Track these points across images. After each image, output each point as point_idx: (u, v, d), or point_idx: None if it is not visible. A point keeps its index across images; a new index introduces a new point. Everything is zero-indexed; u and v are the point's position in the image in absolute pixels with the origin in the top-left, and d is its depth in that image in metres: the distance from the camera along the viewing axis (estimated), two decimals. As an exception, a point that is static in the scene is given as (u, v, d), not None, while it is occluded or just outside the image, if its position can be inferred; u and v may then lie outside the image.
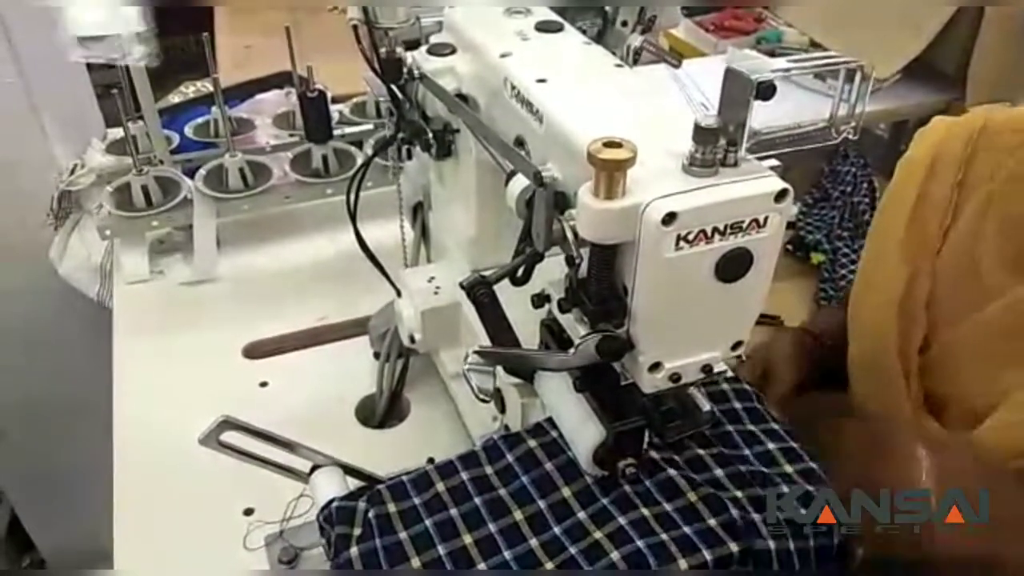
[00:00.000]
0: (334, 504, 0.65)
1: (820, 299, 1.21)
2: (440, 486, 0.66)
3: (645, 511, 0.61)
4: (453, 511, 0.64)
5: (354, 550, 0.61)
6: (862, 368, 0.77)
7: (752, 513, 0.61)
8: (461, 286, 0.65)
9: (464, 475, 0.66)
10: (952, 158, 0.74)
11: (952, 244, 0.72)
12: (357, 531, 0.63)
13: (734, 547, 0.58)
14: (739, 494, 0.63)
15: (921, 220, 0.73)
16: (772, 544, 0.60)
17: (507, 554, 0.60)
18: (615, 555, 0.58)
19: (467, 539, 0.61)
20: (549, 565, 0.59)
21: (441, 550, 0.61)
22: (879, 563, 0.61)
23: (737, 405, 0.72)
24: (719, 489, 0.63)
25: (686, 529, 0.59)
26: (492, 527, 0.62)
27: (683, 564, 0.57)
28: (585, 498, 0.63)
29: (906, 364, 0.71)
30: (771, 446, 0.69)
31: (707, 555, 0.58)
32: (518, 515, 0.63)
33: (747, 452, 0.68)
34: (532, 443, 0.68)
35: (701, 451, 0.67)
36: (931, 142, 0.76)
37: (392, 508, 0.64)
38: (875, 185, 1.34)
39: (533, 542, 0.61)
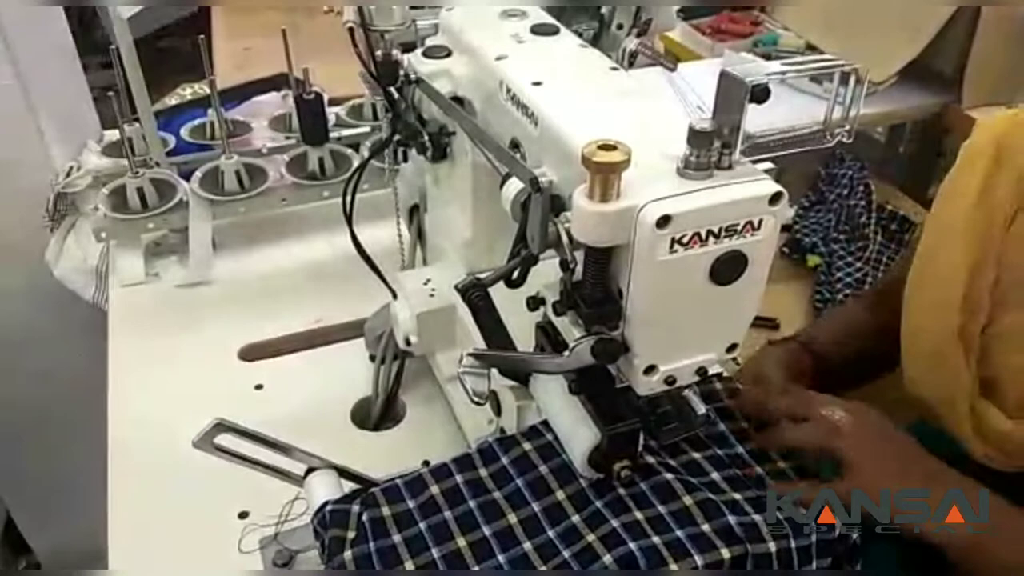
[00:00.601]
0: (328, 507, 0.65)
1: (816, 301, 1.21)
2: (434, 489, 0.65)
3: (639, 514, 0.61)
4: (447, 514, 0.63)
5: (348, 553, 0.61)
6: (918, 354, 0.77)
7: (753, 514, 0.61)
8: (456, 289, 0.65)
9: (458, 478, 0.66)
10: (1019, 148, 0.74)
11: (1018, 230, 0.72)
12: (351, 534, 0.63)
13: (726, 553, 0.58)
14: (737, 496, 0.63)
15: (988, 209, 0.73)
16: (772, 546, 0.60)
17: (501, 557, 0.60)
18: (607, 558, 0.58)
19: (461, 542, 0.61)
20: (542, 568, 0.59)
21: (435, 553, 0.61)
22: None
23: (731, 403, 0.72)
24: (717, 492, 0.63)
25: (679, 533, 0.59)
26: (486, 530, 0.62)
27: (674, 567, 0.57)
28: (579, 501, 0.63)
29: (967, 350, 0.72)
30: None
31: (698, 560, 0.58)
32: (512, 518, 0.63)
33: (740, 450, 0.68)
34: (527, 446, 0.68)
35: (696, 455, 0.67)
36: (994, 132, 0.76)
37: (386, 511, 0.64)
38: (871, 188, 1.35)
39: (527, 545, 0.61)
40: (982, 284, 0.72)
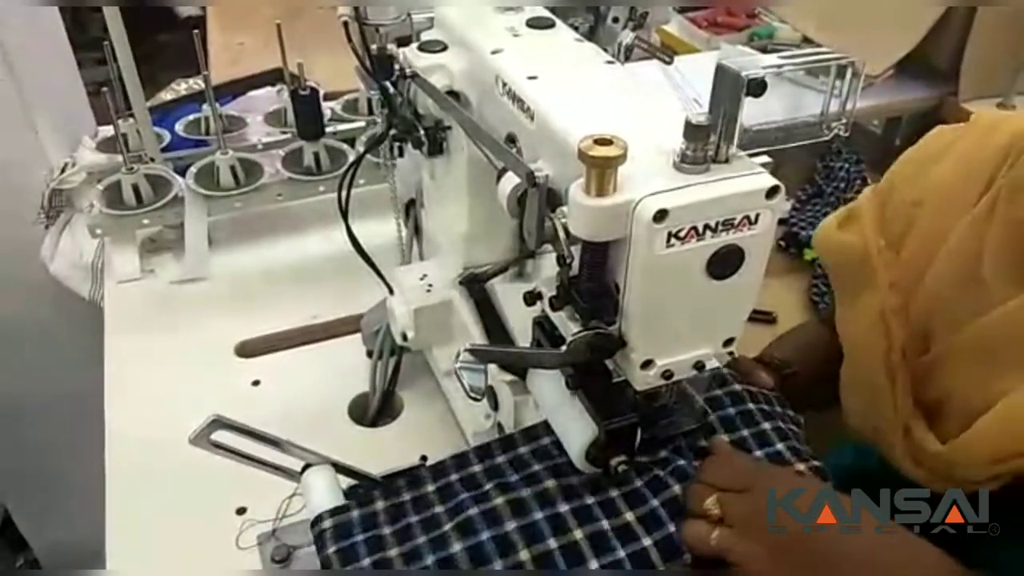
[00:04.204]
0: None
1: (813, 295, 1.21)
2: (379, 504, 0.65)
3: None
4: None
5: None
6: (848, 381, 0.78)
7: None
8: (460, 283, 0.64)
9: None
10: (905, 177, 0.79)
11: (951, 249, 0.72)
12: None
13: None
14: None
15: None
16: None
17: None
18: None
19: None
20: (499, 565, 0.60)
21: None
22: None
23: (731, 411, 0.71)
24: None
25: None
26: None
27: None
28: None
29: (890, 373, 0.72)
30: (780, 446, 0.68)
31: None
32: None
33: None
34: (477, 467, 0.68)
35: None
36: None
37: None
38: (868, 181, 1.34)
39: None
40: (889, 310, 0.73)
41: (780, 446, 0.67)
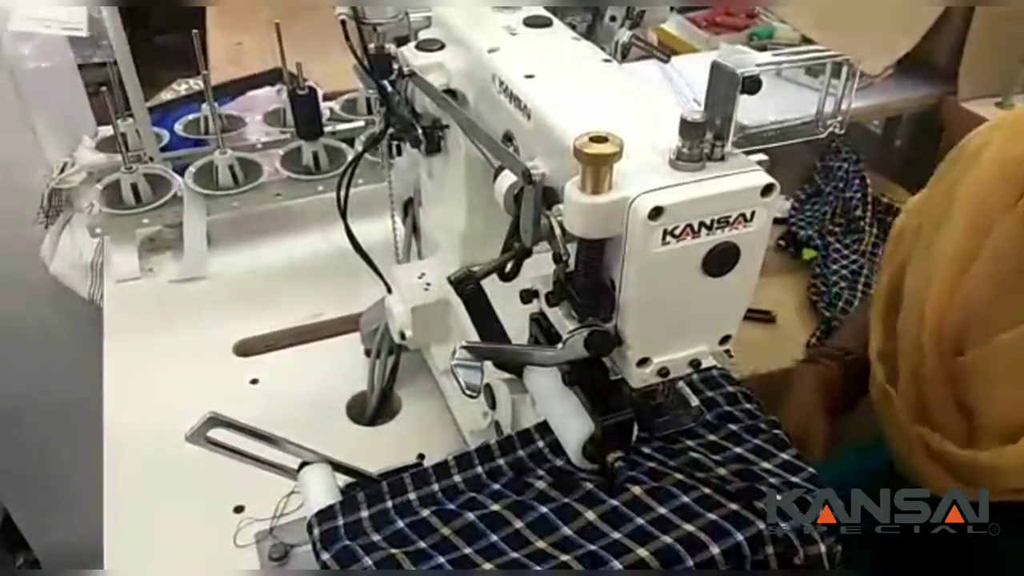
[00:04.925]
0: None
1: (812, 295, 1.21)
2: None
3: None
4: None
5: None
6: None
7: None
8: (449, 281, 0.65)
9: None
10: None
11: (991, 256, 0.71)
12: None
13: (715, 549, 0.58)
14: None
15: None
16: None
17: None
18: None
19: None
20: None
21: None
22: None
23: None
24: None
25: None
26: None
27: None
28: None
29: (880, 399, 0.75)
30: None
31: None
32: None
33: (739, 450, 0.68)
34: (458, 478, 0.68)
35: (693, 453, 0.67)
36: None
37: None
38: (867, 181, 1.34)
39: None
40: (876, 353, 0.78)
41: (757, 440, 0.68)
